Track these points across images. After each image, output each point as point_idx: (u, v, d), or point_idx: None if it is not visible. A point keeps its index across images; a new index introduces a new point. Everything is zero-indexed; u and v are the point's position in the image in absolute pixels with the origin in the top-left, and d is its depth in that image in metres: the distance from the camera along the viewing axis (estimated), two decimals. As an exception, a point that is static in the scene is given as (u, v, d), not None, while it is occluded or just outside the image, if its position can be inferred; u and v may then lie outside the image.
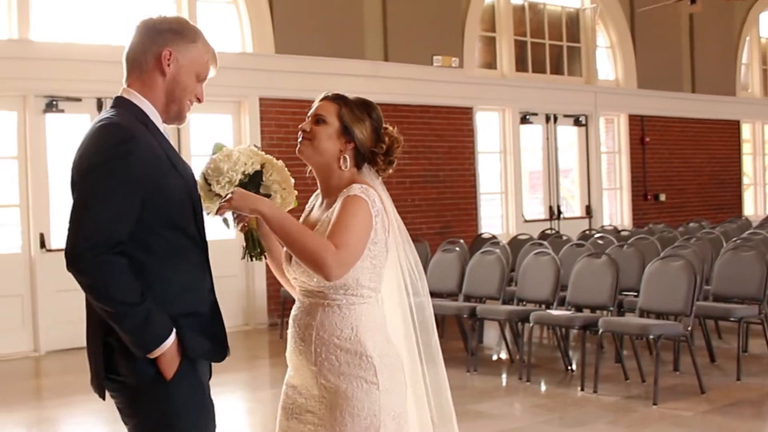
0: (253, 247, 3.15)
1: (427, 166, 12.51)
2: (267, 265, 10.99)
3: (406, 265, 3.18)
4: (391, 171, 3.18)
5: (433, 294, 8.96)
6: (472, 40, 13.26)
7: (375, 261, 3.02)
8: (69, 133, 9.23)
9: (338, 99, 3.10)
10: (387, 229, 3.04)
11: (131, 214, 2.68)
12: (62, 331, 9.09)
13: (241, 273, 10.90)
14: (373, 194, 3.01)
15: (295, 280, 3.13)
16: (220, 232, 11.88)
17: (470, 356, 8.31)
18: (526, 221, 13.90)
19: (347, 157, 3.06)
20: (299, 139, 3.11)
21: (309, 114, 3.13)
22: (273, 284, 10.76)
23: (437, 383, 3.22)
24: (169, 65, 2.85)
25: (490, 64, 13.82)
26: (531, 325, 7.98)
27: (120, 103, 2.86)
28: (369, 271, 3.03)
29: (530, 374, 7.83)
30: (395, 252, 3.13)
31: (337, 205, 3.03)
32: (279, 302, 10.42)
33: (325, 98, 3.11)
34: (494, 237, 11.57)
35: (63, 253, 2.66)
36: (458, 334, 9.19)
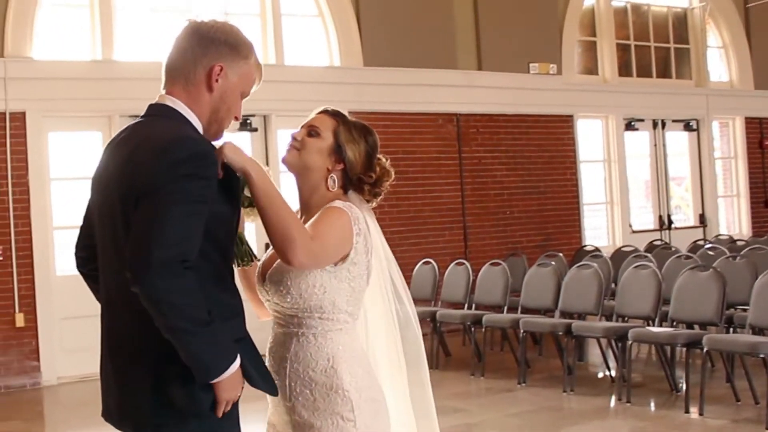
0: (243, 252, 2.92)
1: (526, 177, 12.06)
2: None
3: (391, 285, 3.05)
4: (375, 204, 2.97)
5: (529, 310, 8.72)
6: (571, 45, 12.76)
7: (354, 284, 2.82)
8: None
9: (337, 115, 2.93)
10: (369, 251, 2.84)
11: (200, 234, 2.48)
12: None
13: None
14: (357, 212, 2.81)
15: (268, 302, 2.88)
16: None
17: (567, 375, 7.86)
18: (634, 232, 13.27)
19: (335, 177, 2.87)
20: (287, 148, 2.91)
21: (303, 124, 2.94)
22: (366, 302, 10.50)
23: (423, 400, 3.12)
24: (217, 81, 2.64)
25: (591, 69, 13.28)
26: (630, 342, 7.50)
27: (169, 113, 2.64)
28: (347, 293, 2.80)
29: (631, 394, 7.34)
30: (379, 270, 2.97)
31: (317, 215, 2.80)
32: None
33: (324, 111, 2.95)
34: (597, 249, 11.05)
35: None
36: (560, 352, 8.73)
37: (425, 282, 9.92)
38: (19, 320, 8.74)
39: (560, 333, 8.07)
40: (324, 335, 2.78)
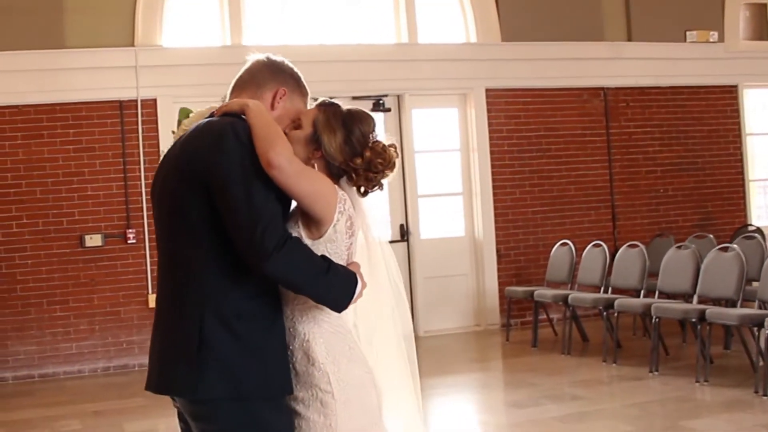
0: None
1: (682, 153, 11.34)
2: (497, 263, 10.38)
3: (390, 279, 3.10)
4: (377, 190, 2.98)
5: (668, 295, 8.19)
6: (735, 9, 11.81)
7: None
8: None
9: (323, 105, 2.97)
10: (353, 234, 2.91)
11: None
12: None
13: (472, 272, 10.47)
14: (343, 195, 2.88)
15: None
16: (447, 230, 11.37)
17: (701, 365, 7.33)
18: (811, 210, 12.23)
19: (315, 165, 2.93)
20: None
21: None
22: (504, 283, 10.24)
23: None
24: (279, 102, 2.95)
25: (761, 35, 12.28)
26: (766, 331, 6.89)
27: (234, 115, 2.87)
28: None
29: (767, 388, 6.75)
30: (380, 261, 3.04)
31: None
32: (510, 302, 9.87)
33: (316, 103, 3.00)
34: (758, 230, 10.26)
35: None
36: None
37: (562, 264, 9.53)
38: (152, 301, 9.07)
39: (693, 320, 7.52)
40: (301, 311, 2.85)
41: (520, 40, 10.48)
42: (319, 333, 2.83)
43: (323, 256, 2.77)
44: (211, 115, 2.92)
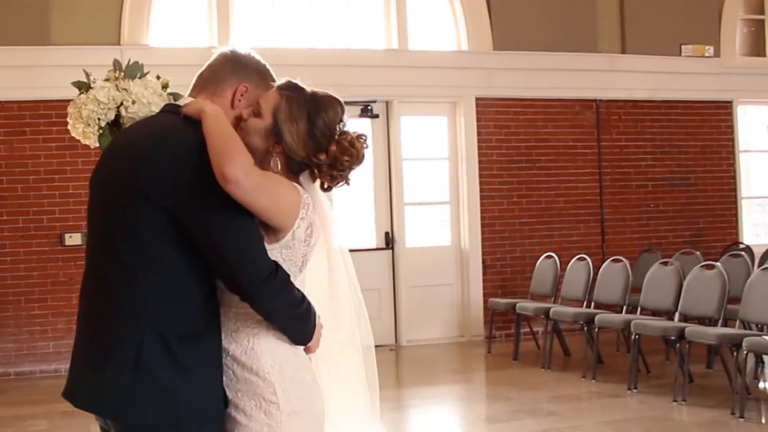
0: None
1: (674, 168, 11.25)
2: (483, 274, 10.28)
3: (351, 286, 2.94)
4: (343, 185, 2.74)
5: (651, 311, 8.10)
6: (732, 24, 11.72)
7: (283, 266, 2.62)
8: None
9: (285, 90, 2.69)
10: (312, 243, 2.69)
11: None
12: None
13: (457, 282, 10.39)
14: (307, 198, 2.65)
15: None
16: (433, 239, 11.29)
17: (679, 384, 7.24)
18: (805, 229, 12.14)
19: (277, 160, 2.68)
20: None
21: None
22: (489, 294, 10.15)
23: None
24: (240, 100, 2.74)
25: (758, 51, 12.19)
26: (745, 352, 6.80)
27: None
28: None
29: (744, 408, 6.66)
30: (341, 270, 2.88)
31: None
32: (494, 314, 9.78)
33: (277, 87, 2.71)
34: (748, 248, 10.17)
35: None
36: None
37: (546, 277, 9.45)
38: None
39: (672, 337, 7.44)
40: (245, 317, 2.65)
41: (512, 49, 10.40)
42: (265, 339, 2.65)
43: (297, 289, 2.65)
44: (171, 110, 2.72)
